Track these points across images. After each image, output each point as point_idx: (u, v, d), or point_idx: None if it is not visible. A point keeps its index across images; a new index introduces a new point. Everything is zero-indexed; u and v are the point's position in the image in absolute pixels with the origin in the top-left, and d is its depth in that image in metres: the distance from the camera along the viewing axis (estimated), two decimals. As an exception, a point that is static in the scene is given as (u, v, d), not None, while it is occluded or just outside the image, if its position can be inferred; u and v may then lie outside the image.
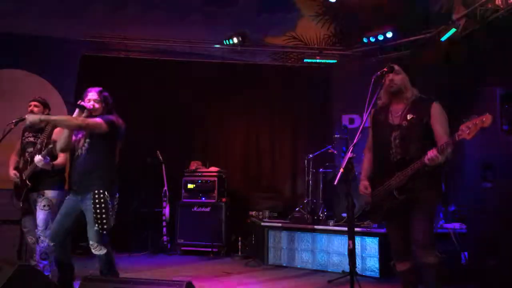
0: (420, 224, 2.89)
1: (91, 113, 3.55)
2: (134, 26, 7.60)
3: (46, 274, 4.27)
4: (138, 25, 7.64)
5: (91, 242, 3.41)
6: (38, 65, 7.08)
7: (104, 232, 3.39)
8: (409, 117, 3.00)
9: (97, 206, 3.37)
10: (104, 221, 3.38)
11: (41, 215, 4.31)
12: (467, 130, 2.59)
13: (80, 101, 3.61)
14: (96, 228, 3.37)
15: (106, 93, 3.70)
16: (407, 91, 3.08)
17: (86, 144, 3.53)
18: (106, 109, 3.64)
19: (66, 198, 3.62)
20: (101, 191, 3.41)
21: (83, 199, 3.46)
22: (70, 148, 3.66)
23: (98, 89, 3.68)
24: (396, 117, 3.06)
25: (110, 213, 3.43)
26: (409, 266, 3.07)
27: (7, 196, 4.68)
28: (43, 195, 4.33)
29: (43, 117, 3.72)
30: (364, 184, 3.17)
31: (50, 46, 7.15)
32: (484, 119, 2.54)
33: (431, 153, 2.72)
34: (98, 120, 3.46)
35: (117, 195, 3.57)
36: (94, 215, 3.36)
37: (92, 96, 3.61)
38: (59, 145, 3.63)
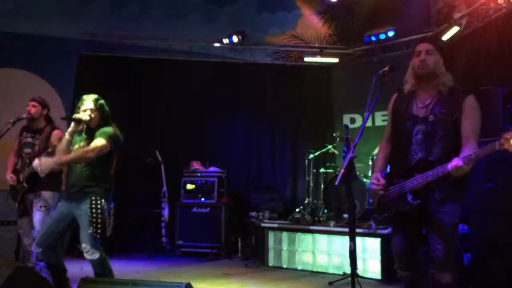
0: (441, 241, 2.52)
1: (88, 123, 3.53)
2: (133, 25, 7.59)
3: (44, 275, 4.24)
4: (138, 24, 7.63)
5: (83, 245, 3.35)
6: (38, 65, 7.06)
7: (98, 236, 3.35)
8: (437, 110, 2.57)
9: (93, 210, 3.36)
10: (99, 225, 3.34)
11: (37, 216, 4.28)
12: (511, 139, 2.22)
13: (75, 114, 3.54)
14: (90, 231, 3.32)
15: (102, 101, 3.64)
16: (441, 76, 2.62)
17: None
18: (103, 118, 3.60)
19: (59, 204, 3.61)
20: (98, 197, 3.41)
21: (77, 205, 3.43)
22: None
23: (93, 97, 3.62)
24: (422, 108, 2.63)
25: (107, 220, 3.42)
26: (414, 275, 2.77)
27: (3, 197, 4.65)
28: (39, 196, 4.30)
29: (54, 162, 3.75)
30: (376, 176, 2.75)
31: (49, 46, 7.13)
32: None
33: (456, 162, 2.33)
34: (103, 142, 3.44)
35: (112, 204, 3.56)
36: (90, 218, 3.33)
37: (88, 105, 3.56)
38: (57, 160, 3.61)
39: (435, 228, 2.55)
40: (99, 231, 3.34)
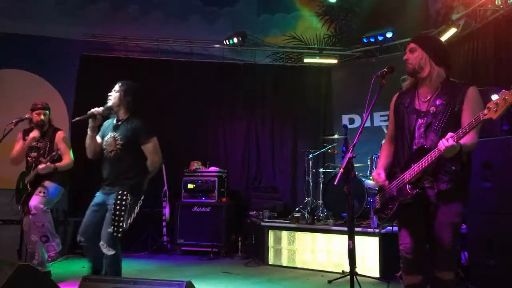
0: (442, 235, 2.49)
1: (112, 109, 3.58)
2: (134, 26, 7.62)
3: (52, 253, 4.32)
4: (138, 25, 7.66)
5: (101, 242, 3.35)
6: (38, 65, 7.09)
7: (119, 235, 3.34)
8: (438, 102, 2.55)
9: (117, 207, 3.35)
10: (120, 224, 3.33)
11: (34, 200, 4.36)
12: (494, 108, 2.15)
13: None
14: (110, 230, 3.32)
15: (125, 84, 3.70)
16: (424, 71, 2.60)
17: (118, 145, 3.53)
18: (129, 104, 3.65)
19: (96, 194, 3.60)
20: (125, 192, 3.40)
21: (108, 198, 3.46)
22: (98, 153, 3.61)
23: (118, 84, 3.69)
24: (424, 102, 2.61)
25: (126, 216, 3.37)
26: (421, 280, 2.59)
27: (7, 196, 4.70)
28: (43, 185, 4.37)
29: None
30: (377, 172, 2.73)
31: (50, 46, 7.16)
32: None
33: (446, 139, 2.27)
34: (153, 140, 3.56)
35: (142, 199, 3.56)
36: (112, 217, 3.33)
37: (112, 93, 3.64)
38: (88, 154, 3.61)
39: (438, 220, 2.50)
40: (120, 230, 3.33)
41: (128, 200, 3.39)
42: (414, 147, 2.58)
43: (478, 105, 2.45)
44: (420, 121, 2.59)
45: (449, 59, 2.69)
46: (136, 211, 3.48)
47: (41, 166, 4.28)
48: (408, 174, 2.52)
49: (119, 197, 3.37)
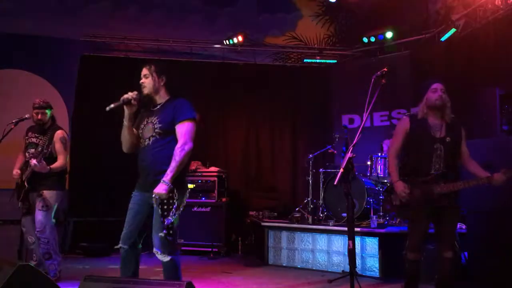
0: (453, 226, 3.37)
1: (150, 96, 3.12)
2: (134, 26, 7.62)
3: (52, 273, 4.30)
4: (138, 25, 7.65)
5: (154, 249, 2.96)
6: (38, 65, 7.10)
7: (171, 238, 2.90)
8: (451, 134, 3.32)
9: (164, 207, 2.89)
10: (171, 225, 2.89)
11: (39, 216, 4.34)
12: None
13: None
14: (162, 234, 2.87)
15: (155, 68, 3.20)
16: (448, 109, 3.37)
17: (155, 134, 3.04)
18: (165, 85, 3.15)
19: (132, 194, 3.13)
20: (171, 187, 2.90)
21: (151, 196, 2.93)
22: (136, 145, 3.16)
23: (146, 66, 3.20)
24: (437, 131, 3.34)
25: (176, 215, 2.94)
26: (420, 257, 3.37)
27: (7, 196, 4.70)
28: (41, 195, 4.35)
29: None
30: (403, 185, 3.35)
31: (50, 46, 7.17)
32: None
33: (499, 177, 3.16)
34: (190, 125, 3.00)
35: (188, 192, 3.10)
36: (162, 219, 2.88)
37: (142, 76, 3.18)
38: (124, 147, 3.18)
39: (450, 218, 3.31)
40: (171, 232, 2.89)
41: (176, 197, 2.92)
42: (432, 166, 3.33)
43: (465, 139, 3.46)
44: (436, 146, 3.32)
45: None
46: (182, 207, 2.99)
47: (32, 162, 4.23)
48: (439, 189, 3.27)
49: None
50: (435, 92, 3.34)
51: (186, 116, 3.02)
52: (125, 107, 3.07)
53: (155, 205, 2.93)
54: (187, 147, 2.98)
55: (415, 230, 3.40)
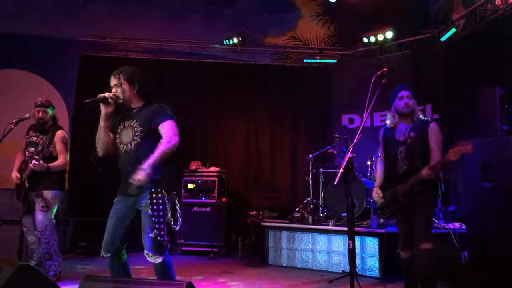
0: (420, 219, 3.46)
1: (117, 101, 3.03)
2: (134, 26, 7.61)
3: (52, 274, 4.30)
4: (138, 25, 7.65)
5: (145, 251, 2.95)
6: (38, 65, 7.10)
7: (162, 239, 2.88)
8: (412, 135, 3.51)
9: (154, 208, 2.86)
10: (162, 225, 2.86)
11: (39, 216, 4.34)
12: (453, 154, 3.16)
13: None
14: (152, 235, 2.86)
15: (128, 71, 3.12)
16: (415, 113, 3.58)
17: (136, 137, 2.99)
18: (139, 92, 3.08)
19: (115, 200, 3.09)
20: (159, 189, 2.89)
21: (138, 200, 2.94)
22: (110, 149, 3.12)
23: (117, 71, 3.13)
24: (401, 134, 3.58)
25: (168, 215, 2.91)
26: (411, 254, 3.54)
27: (7, 196, 4.70)
28: (41, 196, 4.35)
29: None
30: (376, 191, 3.69)
31: (50, 46, 7.17)
32: (468, 148, 3.11)
33: (425, 171, 3.32)
34: (172, 123, 2.97)
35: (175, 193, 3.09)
36: (152, 219, 2.86)
37: (112, 83, 3.09)
38: (99, 149, 3.13)
39: (417, 212, 3.45)
40: (162, 232, 2.86)
41: (165, 196, 2.90)
42: (399, 167, 3.61)
43: (438, 136, 3.49)
44: (400, 148, 3.56)
45: None
46: (168, 205, 2.95)
47: (32, 162, 4.24)
48: (401, 188, 3.50)
49: (154, 195, 2.87)
50: (401, 100, 3.55)
51: (166, 116, 3.01)
52: (101, 106, 3.02)
53: (145, 208, 2.90)
54: (173, 140, 2.93)
55: (399, 230, 3.68)
